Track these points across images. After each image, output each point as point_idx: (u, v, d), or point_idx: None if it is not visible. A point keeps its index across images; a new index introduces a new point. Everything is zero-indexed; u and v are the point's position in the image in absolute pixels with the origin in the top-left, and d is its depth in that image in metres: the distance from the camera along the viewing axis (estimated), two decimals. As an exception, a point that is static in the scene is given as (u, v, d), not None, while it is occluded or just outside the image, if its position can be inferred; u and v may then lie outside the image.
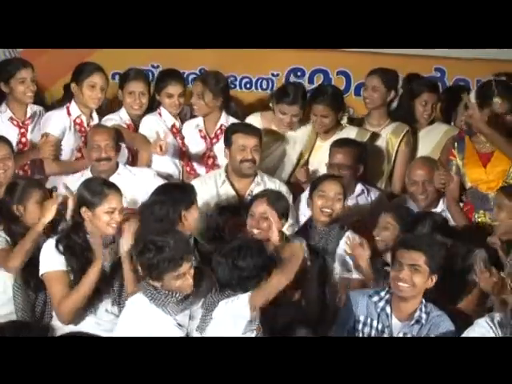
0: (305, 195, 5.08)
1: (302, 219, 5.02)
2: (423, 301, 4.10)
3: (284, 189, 5.10)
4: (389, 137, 5.58)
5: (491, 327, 3.83)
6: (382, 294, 4.14)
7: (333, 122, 5.51)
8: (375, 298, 4.13)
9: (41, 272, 4.28)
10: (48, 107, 5.54)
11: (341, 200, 4.71)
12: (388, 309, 4.10)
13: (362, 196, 5.24)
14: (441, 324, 4.06)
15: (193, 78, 5.80)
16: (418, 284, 4.02)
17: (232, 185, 5.05)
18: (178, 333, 3.97)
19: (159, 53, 5.79)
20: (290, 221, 4.86)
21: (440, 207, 5.12)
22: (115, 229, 4.28)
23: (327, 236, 4.66)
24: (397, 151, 5.57)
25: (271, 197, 4.57)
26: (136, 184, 5.05)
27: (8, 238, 4.48)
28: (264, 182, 5.07)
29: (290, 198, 5.05)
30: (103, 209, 4.26)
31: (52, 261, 4.25)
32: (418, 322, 4.05)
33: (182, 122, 5.59)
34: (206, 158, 5.50)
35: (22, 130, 5.34)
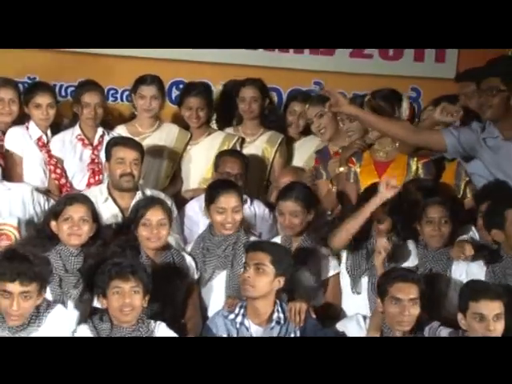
0: (190, 205, 5.23)
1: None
2: (277, 301, 4.20)
3: (169, 200, 5.08)
4: (264, 146, 5.71)
5: None
6: (237, 310, 4.21)
7: (207, 116, 5.68)
8: (231, 316, 4.20)
9: None
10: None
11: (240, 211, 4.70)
12: (246, 321, 4.17)
13: (245, 206, 5.08)
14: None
15: (72, 90, 5.74)
16: (261, 284, 4.11)
17: (115, 201, 5.00)
18: None
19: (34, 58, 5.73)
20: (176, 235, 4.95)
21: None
22: None
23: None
24: (272, 161, 5.70)
25: (164, 204, 4.62)
26: (12, 199, 4.95)
27: None
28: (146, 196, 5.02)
29: (174, 208, 5.09)
30: None
31: None
32: (277, 323, 4.16)
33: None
34: (94, 164, 5.45)
35: None
